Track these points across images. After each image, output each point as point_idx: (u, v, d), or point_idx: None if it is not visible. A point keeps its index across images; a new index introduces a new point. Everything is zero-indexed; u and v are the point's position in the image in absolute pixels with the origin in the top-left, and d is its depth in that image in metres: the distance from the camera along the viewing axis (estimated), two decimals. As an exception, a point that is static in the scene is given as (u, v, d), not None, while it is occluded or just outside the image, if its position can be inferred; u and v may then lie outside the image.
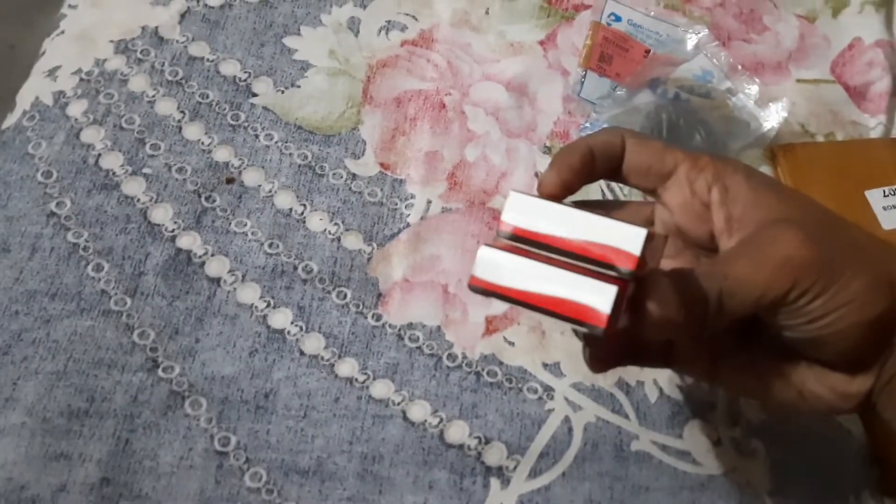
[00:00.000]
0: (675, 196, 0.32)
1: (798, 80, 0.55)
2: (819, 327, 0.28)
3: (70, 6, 0.54)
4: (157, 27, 0.53)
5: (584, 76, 0.52)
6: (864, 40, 0.56)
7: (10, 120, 0.49)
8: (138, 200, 0.46)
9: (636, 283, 0.27)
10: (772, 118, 0.51)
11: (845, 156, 0.52)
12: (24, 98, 0.50)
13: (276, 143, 0.49)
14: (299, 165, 0.49)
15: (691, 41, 0.53)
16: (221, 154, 0.49)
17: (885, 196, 0.49)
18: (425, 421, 0.41)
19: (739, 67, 0.53)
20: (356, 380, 0.42)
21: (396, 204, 0.48)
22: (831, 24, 0.58)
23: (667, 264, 0.31)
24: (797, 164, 0.50)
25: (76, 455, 0.39)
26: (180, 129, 0.49)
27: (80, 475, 0.38)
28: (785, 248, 0.28)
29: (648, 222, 0.34)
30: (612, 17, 0.54)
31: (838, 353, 0.29)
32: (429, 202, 0.48)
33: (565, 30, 0.56)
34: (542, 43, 0.55)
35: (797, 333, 0.29)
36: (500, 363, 0.43)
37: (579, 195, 0.32)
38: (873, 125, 0.54)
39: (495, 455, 0.40)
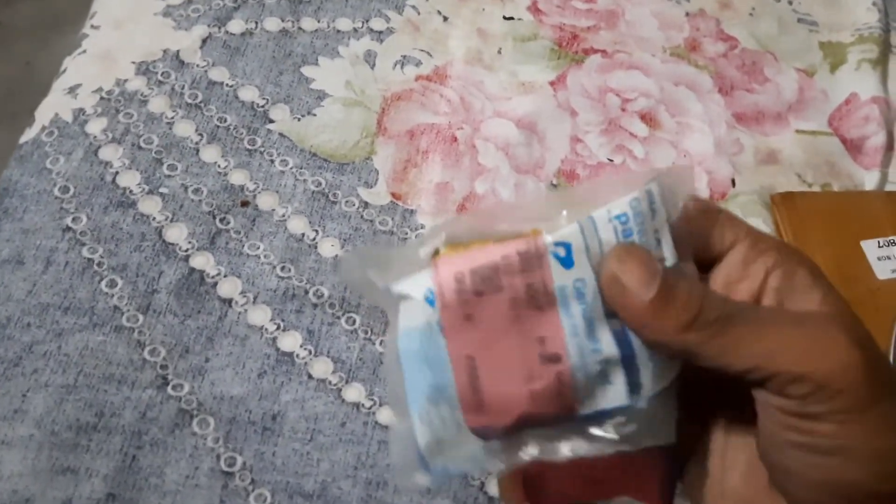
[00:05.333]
0: (719, 273, 0.27)
1: (797, 131, 0.57)
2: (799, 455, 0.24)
3: (93, 27, 0.55)
4: (178, 51, 0.54)
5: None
6: (860, 96, 0.59)
7: (29, 134, 0.50)
8: (154, 219, 0.47)
9: None
10: None
11: (842, 206, 0.53)
12: (44, 114, 0.50)
13: (290, 168, 0.50)
14: (313, 192, 0.50)
15: None
16: (237, 177, 0.50)
17: (879, 247, 0.51)
18: (430, 449, 0.41)
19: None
20: (363, 405, 0.42)
21: (407, 233, 0.49)
22: (829, 80, 0.60)
23: None
24: (795, 213, 0.52)
25: (83, 469, 0.39)
26: (197, 151, 0.50)
27: (87, 490, 0.38)
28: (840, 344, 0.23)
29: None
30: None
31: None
32: (438, 233, 0.49)
33: (575, 72, 0.58)
34: (552, 83, 0.57)
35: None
36: (505, 394, 0.44)
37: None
38: (868, 178, 0.55)
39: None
